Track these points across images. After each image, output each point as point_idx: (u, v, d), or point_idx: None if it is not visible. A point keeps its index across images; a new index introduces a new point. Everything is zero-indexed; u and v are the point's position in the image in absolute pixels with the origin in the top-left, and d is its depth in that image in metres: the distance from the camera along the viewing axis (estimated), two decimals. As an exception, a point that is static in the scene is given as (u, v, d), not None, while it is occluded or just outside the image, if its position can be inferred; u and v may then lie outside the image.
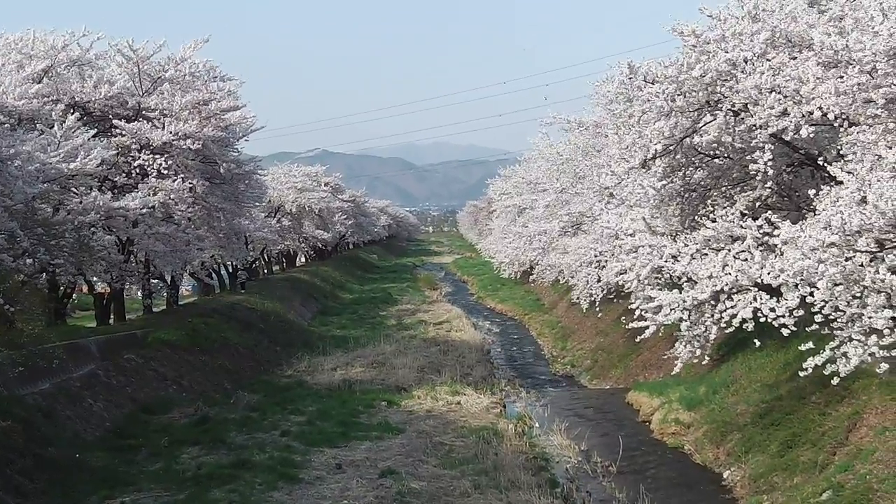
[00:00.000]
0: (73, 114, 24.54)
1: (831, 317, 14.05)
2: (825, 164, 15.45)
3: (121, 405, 22.37)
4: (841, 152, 15.60)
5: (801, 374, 14.86)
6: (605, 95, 29.83)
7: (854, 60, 14.24)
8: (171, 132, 27.82)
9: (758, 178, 17.58)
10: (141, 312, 35.41)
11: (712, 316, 17.65)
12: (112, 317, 31.96)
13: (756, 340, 17.63)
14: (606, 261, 31.13)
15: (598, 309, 34.78)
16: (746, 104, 16.66)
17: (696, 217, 19.84)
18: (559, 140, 43.79)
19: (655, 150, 18.20)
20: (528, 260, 50.28)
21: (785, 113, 16.03)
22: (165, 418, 22.50)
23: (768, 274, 15.29)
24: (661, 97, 17.23)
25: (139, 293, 35.32)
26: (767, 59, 16.49)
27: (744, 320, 16.74)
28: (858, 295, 13.65)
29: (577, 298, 36.82)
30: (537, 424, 23.54)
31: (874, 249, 13.29)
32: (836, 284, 13.59)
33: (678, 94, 17.22)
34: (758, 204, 18.87)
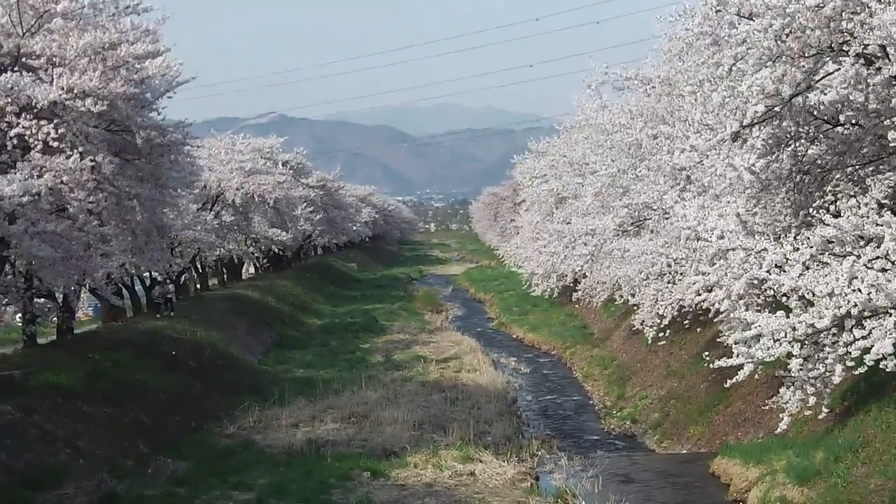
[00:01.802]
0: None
1: None
2: None
3: (-10, 477, 22.20)
4: None
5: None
6: (681, 38, 29.58)
7: None
8: (62, 87, 27.59)
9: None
10: (19, 344, 35.24)
11: (835, 350, 17.46)
12: (-21, 351, 31.82)
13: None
14: (682, 272, 30.98)
15: (668, 340, 34.57)
16: (885, 47, 16.46)
17: (810, 210, 19.67)
18: (614, 102, 43.64)
19: (755, 112, 17.97)
20: (571, 271, 50.12)
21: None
22: (55, 496, 22.32)
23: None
24: (765, 36, 17.02)
25: (17, 317, 35.15)
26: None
27: (882, 357, 16.54)
28: None
29: (640, 325, 36.64)
30: (584, 504, 23.35)
31: None
32: None
33: (787, 34, 17.02)
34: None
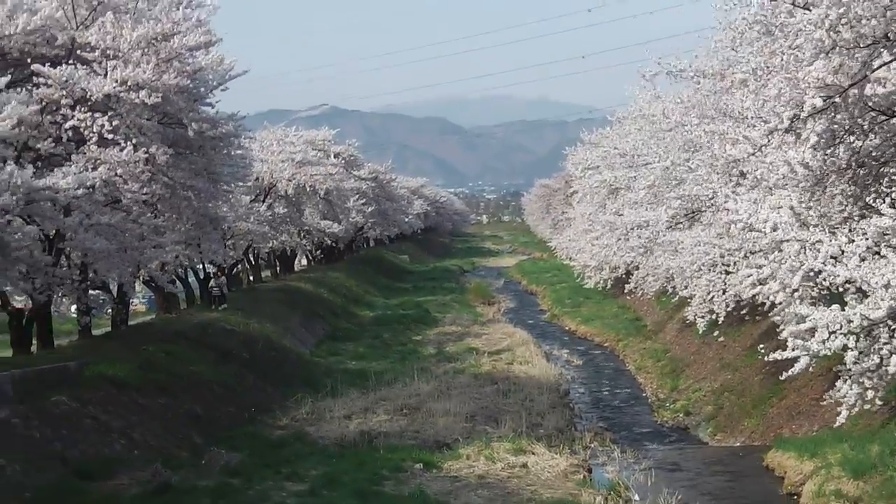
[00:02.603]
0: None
1: None
2: None
3: (46, 467, 22.28)
4: None
5: None
6: (735, 28, 29.36)
7: None
8: (116, 80, 27.73)
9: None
10: (75, 336, 35.46)
11: (890, 342, 17.31)
12: (35, 342, 32.01)
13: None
14: (736, 263, 30.83)
15: (722, 332, 34.38)
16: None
17: (866, 201, 19.50)
18: (668, 94, 43.42)
19: (813, 106, 17.81)
20: (624, 263, 50.03)
21: None
22: (109, 486, 22.40)
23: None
24: (820, 26, 16.87)
25: (73, 309, 35.34)
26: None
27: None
28: None
29: (693, 317, 36.47)
30: (637, 497, 23.29)
31: None
32: None
33: (843, 24, 16.87)
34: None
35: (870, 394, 18.46)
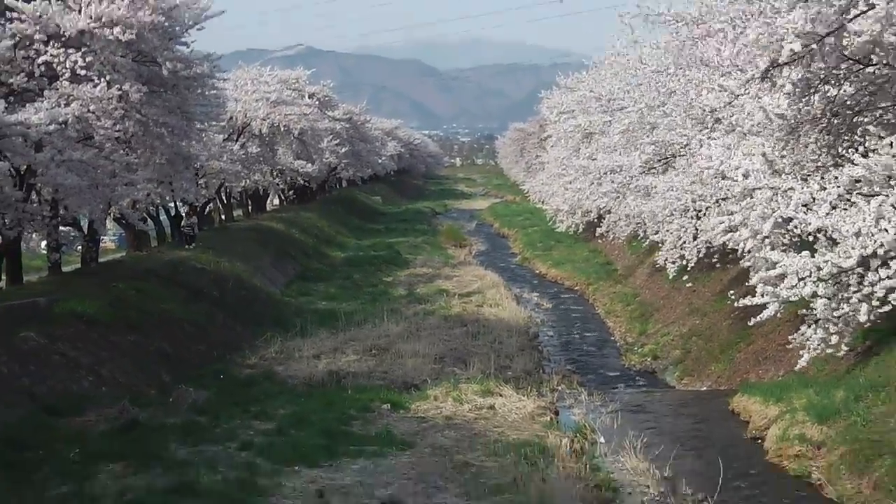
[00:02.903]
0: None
1: None
2: None
3: (15, 403, 22.27)
4: None
5: None
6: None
7: None
8: (90, 16, 27.55)
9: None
10: (45, 272, 35.36)
11: (859, 290, 17.38)
12: (3, 278, 31.91)
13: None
14: (707, 209, 30.89)
15: (691, 278, 34.47)
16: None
17: (839, 151, 19.52)
18: (647, 39, 43.27)
19: (791, 51, 17.76)
20: (596, 207, 50.09)
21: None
22: (77, 422, 22.38)
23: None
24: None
25: (43, 245, 35.24)
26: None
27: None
28: None
29: (664, 262, 36.57)
30: (603, 440, 23.35)
31: None
32: None
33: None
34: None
35: (834, 339, 18.55)
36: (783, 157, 20.39)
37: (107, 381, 26.29)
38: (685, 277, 36.42)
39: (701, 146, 28.17)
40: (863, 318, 18.31)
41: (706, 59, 31.23)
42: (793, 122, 20.00)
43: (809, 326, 18.84)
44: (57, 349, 25.95)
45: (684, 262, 34.69)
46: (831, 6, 17.45)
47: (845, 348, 19.16)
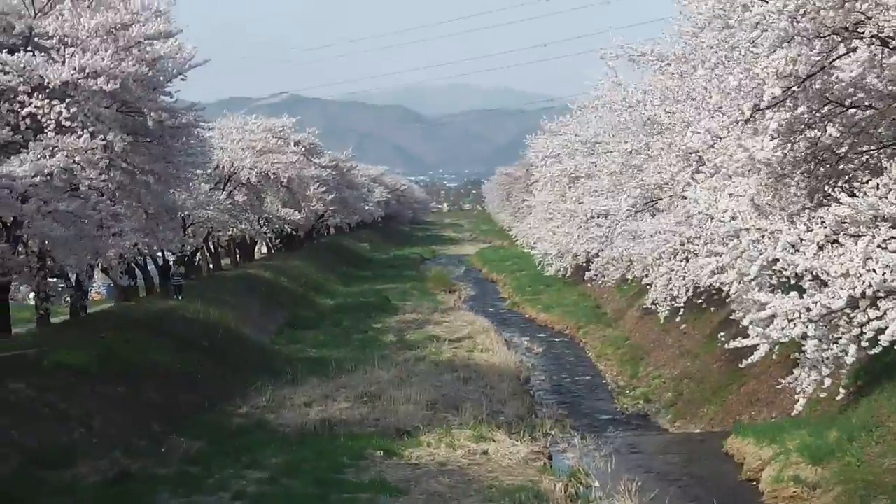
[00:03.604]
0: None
1: None
2: None
3: (3, 456, 22.19)
4: None
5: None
6: (694, 21, 29.34)
7: None
8: (74, 67, 27.62)
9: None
10: (33, 324, 35.30)
11: (849, 331, 17.42)
12: (-8, 330, 31.87)
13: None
14: (695, 251, 30.96)
15: (683, 320, 34.52)
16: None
17: (825, 190, 19.60)
18: (630, 81, 43.41)
19: (772, 95, 17.86)
20: (584, 251, 50.15)
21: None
22: (68, 475, 22.32)
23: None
24: (780, 17, 16.94)
25: (30, 297, 35.18)
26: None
27: (896, 337, 16.52)
28: None
29: (653, 304, 36.61)
30: (597, 483, 23.38)
31: None
32: None
33: (802, 14, 16.94)
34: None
35: (827, 381, 18.58)
36: (769, 203, 20.45)
37: (97, 432, 26.19)
38: (677, 319, 36.49)
39: (686, 186, 28.24)
40: (850, 359, 18.34)
41: (692, 95, 31.29)
42: (778, 168, 20.07)
43: (803, 369, 18.86)
44: (46, 401, 25.89)
45: (675, 304, 34.72)
46: (813, 47, 17.59)
47: (843, 391, 19.20)
